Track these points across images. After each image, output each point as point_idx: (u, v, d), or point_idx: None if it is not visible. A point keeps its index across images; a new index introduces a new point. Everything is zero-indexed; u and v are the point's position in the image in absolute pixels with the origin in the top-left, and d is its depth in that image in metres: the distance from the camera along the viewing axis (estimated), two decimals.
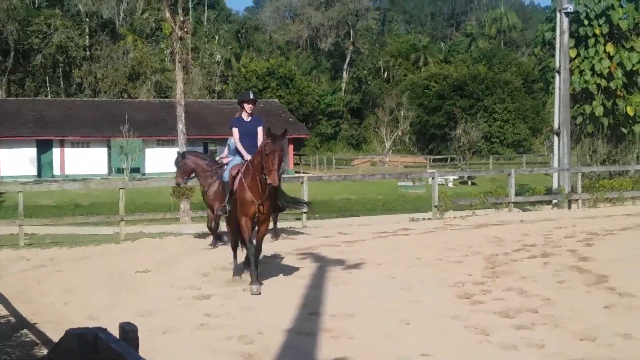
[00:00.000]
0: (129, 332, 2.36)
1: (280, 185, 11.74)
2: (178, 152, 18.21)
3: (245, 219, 11.81)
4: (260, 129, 12.58)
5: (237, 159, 12.71)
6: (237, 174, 12.06)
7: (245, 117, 12.79)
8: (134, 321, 9.18)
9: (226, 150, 17.31)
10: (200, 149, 60.63)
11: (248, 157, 12.10)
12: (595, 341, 8.43)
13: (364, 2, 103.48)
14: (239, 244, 13.04)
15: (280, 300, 10.87)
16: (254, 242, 11.89)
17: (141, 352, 7.79)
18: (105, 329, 2.43)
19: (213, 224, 16.79)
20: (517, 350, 8.07)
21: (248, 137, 12.54)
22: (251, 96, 13.06)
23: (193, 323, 9.57)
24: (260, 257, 12.47)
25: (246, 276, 12.11)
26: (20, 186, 24.02)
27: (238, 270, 12.70)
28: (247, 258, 12.21)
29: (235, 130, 12.67)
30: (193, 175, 17.14)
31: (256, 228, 12.22)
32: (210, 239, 17.07)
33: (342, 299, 10.75)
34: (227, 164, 16.34)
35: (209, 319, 9.77)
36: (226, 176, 12.51)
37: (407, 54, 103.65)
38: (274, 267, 14.07)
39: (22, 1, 79.45)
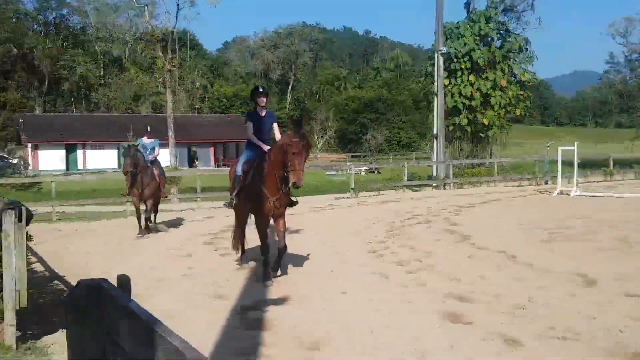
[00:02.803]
0: (123, 282, 2.34)
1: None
2: (128, 145, 14.18)
3: (261, 217, 8.89)
4: (275, 125, 9.40)
5: (250, 153, 9.21)
6: (250, 169, 8.94)
7: (260, 111, 9.36)
8: (138, 275, 9.15)
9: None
10: (186, 150, 60.14)
11: (266, 147, 8.90)
12: (461, 280, 8.61)
13: (302, 45, 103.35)
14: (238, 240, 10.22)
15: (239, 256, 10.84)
16: (279, 243, 8.95)
17: (141, 295, 7.73)
18: (107, 279, 2.40)
19: (137, 214, 13.88)
20: (408, 288, 8.21)
21: (263, 132, 9.23)
22: (261, 90, 9.49)
23: (179, 274, 9.52)
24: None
25: (252, 264, 9.83)
26: (53, 177, 23.60)
27: (245, 259, 9.97)
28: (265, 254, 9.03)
29: (249, 125, 9.23)
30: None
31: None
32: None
33: (288, 255, 10.75)
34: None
35: (190, 271, 9.72)
36: (239, 170, 9.17)
37: (332, 81, 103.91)
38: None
39: (54, 43, 77.89)
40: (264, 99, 9.36)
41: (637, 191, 23.07)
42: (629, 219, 14.97)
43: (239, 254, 10.19)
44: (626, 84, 65.72)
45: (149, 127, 15.09)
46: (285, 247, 9.00)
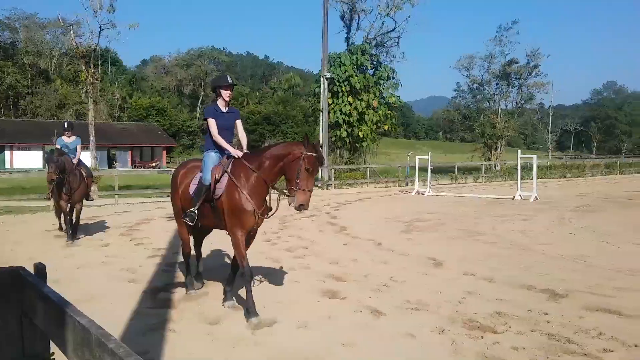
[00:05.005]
0: (39, 269, 2.21)
1: None
2: (52, 149, 10.86)
3: (242, 232, 5.99)
4: (239, 122, 6.63)
5: (213, 156, 6.37)
6: (222, 174, 6.13)
7: (222, 106, 6.50)
8: (60, 262, 8.65)
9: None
10: (106, 153, 57.39)
11: (237, 153, 6.28)
12: (338, 264, 8.75)
13: (210, 66, 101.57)
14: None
15: (153, 245, 10.48)
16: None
17: (62, 280, 7.29)
18: (24, 267, 2.26)
19: (65, 218, 11.26)
20: (295, 270, 8.24)
21: (225, 131, 6.47)
22: (229, 80, 6.58)
23: (98, 261, 9.04)
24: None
25: (198, 286, 7.05)
26: None
27: (191, 284, 6.93)
28: (233, 276, 6.47)
29: (212, 122, 6.38)
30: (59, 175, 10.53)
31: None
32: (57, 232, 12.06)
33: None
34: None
35: (108, 258, 9.25)
36: (208, 178, 6.15)
37: (237, 97, 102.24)
38: (151, 225, 13.54)
39: None
40: (230, 93, 6.54)
41: (475, 192, 24.49)
42: (468, 214, 15.85)
43: (189, 279, 7.09)
44: (469, 108, 69.70)
45: (66, 124, 11.64)
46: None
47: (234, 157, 6.27)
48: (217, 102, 6.55)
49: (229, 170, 6.13)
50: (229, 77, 6.68)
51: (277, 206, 6.07)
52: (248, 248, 6.25)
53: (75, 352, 1.79)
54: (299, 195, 5.65)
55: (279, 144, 6.14)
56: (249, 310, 5.78)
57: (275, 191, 6.14)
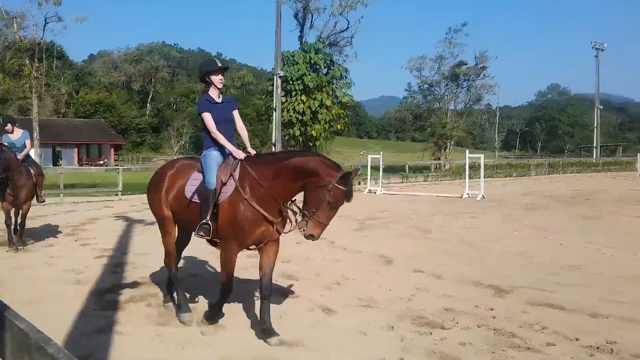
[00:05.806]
0: None
1: None
2: None
3: (239, 248, 5.24)
4: (236, 113, 5.69)
5: (216, 155, 5.42)
6: (229, 177, 5.17)
7: (216, 96, 5.57)
8: (1, 262, 8.23)
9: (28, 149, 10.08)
10: (51, 150, 55.50)
11: (239, 154, 5.31)
12: (290, 262, 8.73)
13: (161, 62, 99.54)
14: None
15: (100, 246, 10.18)
16: (261, 274, 5.40)
17: (3, 281, 7.02)
18: None
19: (6, 221, 9.74)
20: (247, 270, 8.16)
21: (222, 125, 5.51)
22: (219, 64, 5.57)
23: (41, 262, 8.72)
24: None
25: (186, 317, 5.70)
26: None
27: (184, 305, 5.81)
28: (221, 294, 5.46)
29: (207, 117, 5.46)
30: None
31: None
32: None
33: (141, 244, 10.27)
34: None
35: (52, 259, 8.93)
36: (213, 182, 5.18)
37: (188, 94, 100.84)
38: (97, 225, 13.16)
39: None
40: (222, 78, 5.60)
41: (425, 191, 24.94)
42: (418, 212, 16.13)
43: (167, 296, 6.32)
44: (419, 107, 70.94)
45: (1, 119, 10.26)
46: (271, 286, 5.39)
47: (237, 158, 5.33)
48: (209, 92, 5.60)
49: (235, 174, 5.19)
50: (217, 60, 5.69)
51: (296, 220, 5.09)
52: (273, 263, 5.40)
53: (14, 357, 1.72)
54: (312, 225, 4.81)
55: (305, 155, 5.13)
56: (205, 313, 5.64)
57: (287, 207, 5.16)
